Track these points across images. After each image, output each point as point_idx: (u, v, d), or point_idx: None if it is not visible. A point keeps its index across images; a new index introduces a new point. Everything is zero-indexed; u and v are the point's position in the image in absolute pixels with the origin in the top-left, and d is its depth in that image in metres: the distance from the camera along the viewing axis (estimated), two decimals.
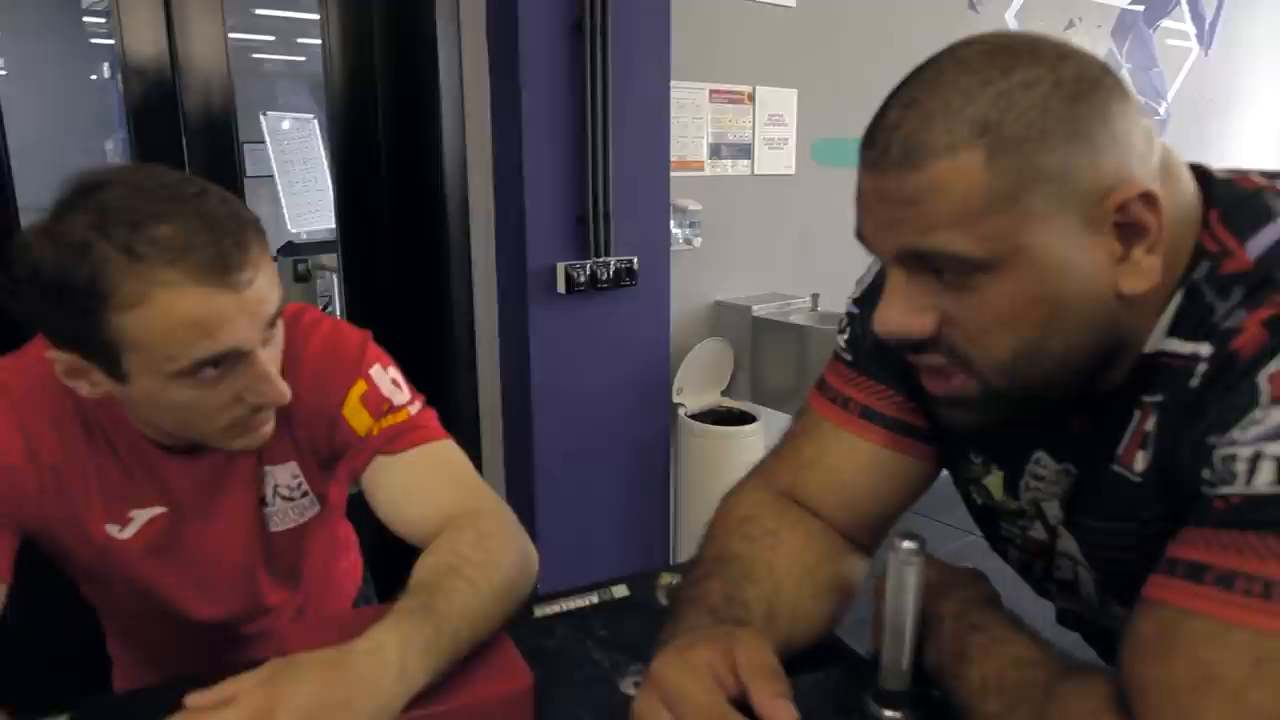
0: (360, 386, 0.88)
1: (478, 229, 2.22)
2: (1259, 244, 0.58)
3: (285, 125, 6.27)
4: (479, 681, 0.71)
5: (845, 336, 0.86)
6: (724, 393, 2.64)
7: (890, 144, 0.58)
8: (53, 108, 5.12)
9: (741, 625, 0.69)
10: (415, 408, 0.91)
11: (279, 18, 5.89)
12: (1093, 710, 0.54)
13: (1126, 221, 0.57)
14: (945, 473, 0.86)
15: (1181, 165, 0.62)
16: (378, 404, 0.88)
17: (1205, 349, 0.57)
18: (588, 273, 2.19)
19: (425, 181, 2.22)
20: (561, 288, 2.17)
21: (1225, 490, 0.52)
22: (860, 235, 0.64)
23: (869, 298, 0.84)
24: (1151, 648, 0.53)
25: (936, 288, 0.60)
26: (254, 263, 0.73)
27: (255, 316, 0.73)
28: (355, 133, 2.20)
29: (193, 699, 0.59)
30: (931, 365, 0.65)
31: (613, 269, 2.23)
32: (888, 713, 0.72)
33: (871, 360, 0.82)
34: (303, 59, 6.51)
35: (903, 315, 0.62)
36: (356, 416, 0.87)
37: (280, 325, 0.79)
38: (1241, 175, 0.64)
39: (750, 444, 2.45)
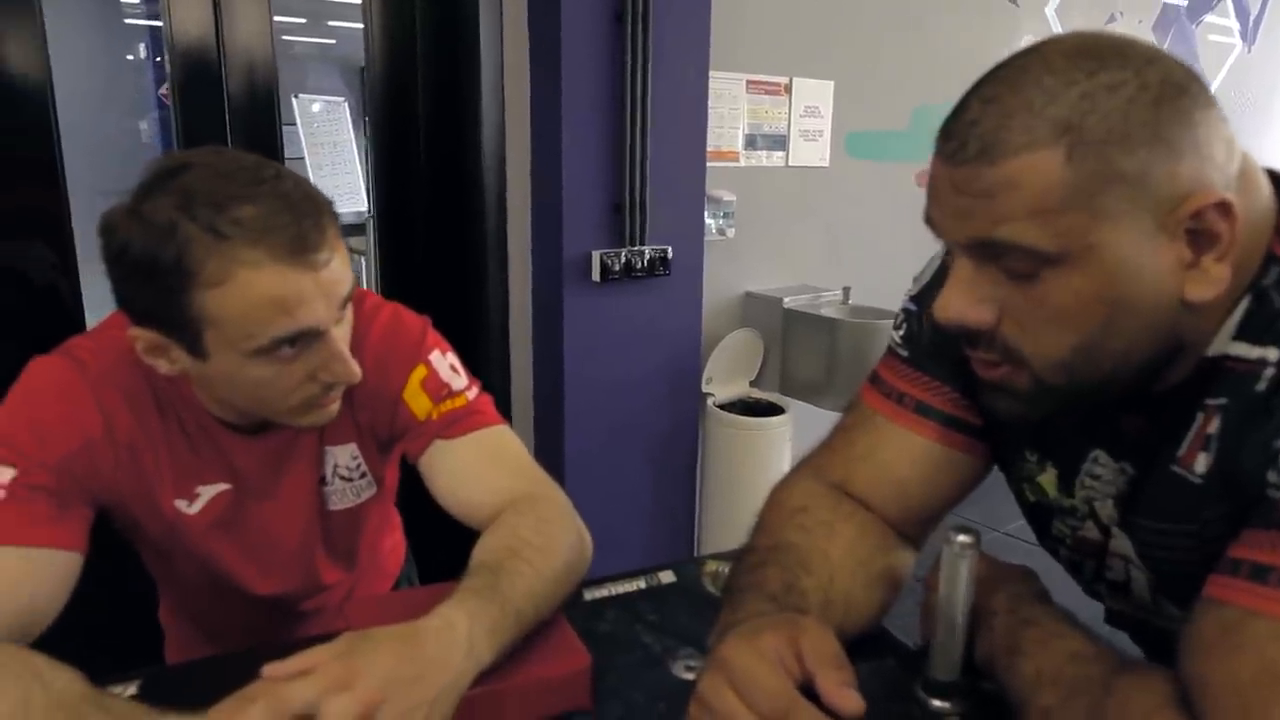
0: (421, 371, 0.90)
1: (514, 216, 2.24)
2: None
3: (316, 108, 6.32)
4: (540, 661, 0.73)
5: (901, 333, 0.86)
6: (753, 383, 2.65)
7: (969, 139, 0.58)
8: (88, 88, 5.19)
9: (801, 613, 0.70)
10: (473, 393, 0.93)
11: (311, 0, 5.93)
12: (1153, 706, 0.55)
13: (1199, 229, 0.57)
14: None
15: (1258, 171, 0.63)
16: (437, 389, 0.90)
17: (1274, 354, 0.58)
18: (623, 261, 2.20)
19: (463, 168, 2.24)
20: (596, 276, 2.18)
21: None
22: (929, 220, 0.65)
23: (926, 295, 0.85)
24: (1215, 646, 0.54)
25: (1001, 280, 0.61)
26: (330, 244, 0.75)
27: (331, 296, 0.76)
28: (394, 117, 2.22)
29: (270, 669, 0.61)
30: (982, 359, 0.66)
31: (647, 258, 2.24)
32: (936, 702, 0.74)
33: (928, 357, 0.83)
34: (333, 42, 6.55)
35: (964, 304, 0.63)
36: (416, 400, 0.90)
37: (350, 307, 0.81)
38: None
39: (778, 435, 2.46)
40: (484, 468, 0.90)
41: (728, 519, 2.49)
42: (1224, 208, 0.57)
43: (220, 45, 1.91)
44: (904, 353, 0.85)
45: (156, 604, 1.14)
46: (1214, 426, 0.61)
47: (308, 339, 0.76)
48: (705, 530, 2.59)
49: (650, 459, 2.43)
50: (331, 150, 6.29)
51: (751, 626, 0.65)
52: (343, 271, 0.77)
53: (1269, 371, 0.58)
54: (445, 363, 0.92)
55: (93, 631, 1.56)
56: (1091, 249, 0.57)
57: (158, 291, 0.72)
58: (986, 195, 0.58)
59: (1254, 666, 0.51)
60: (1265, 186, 0.62)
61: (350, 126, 6.56)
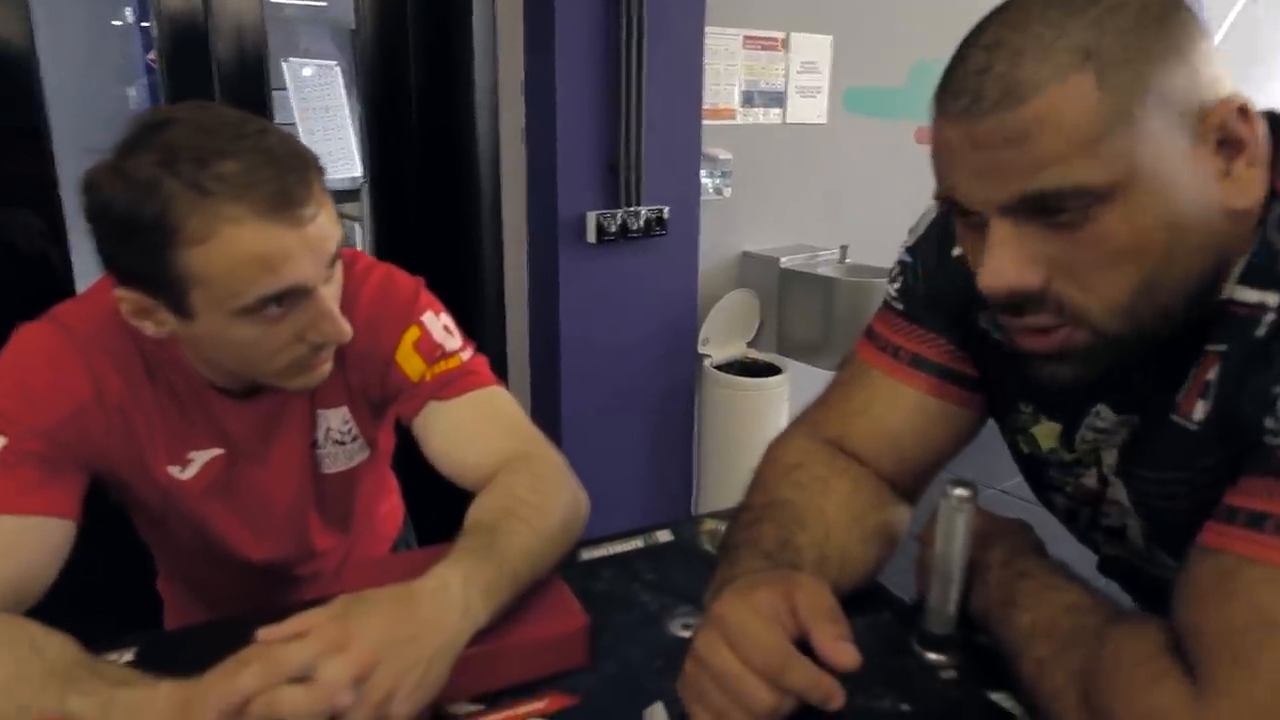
0: (414, 332, 0.89)
1: (508, 177, 2.21)
2: None
3: (307, 72, 6.22)
4: (536, 621, 0.73)
5: (897, 285, 0.85)
6: (750, 344, 2.64)
7: (984, 86, 0.55)
8: (74, 53, 5.10)
9: (796, 569, 0.70)
10: (467, 354, 0.92)
11: None
12: (1147, 654, 0.55)
13: (1226, 137, 0.56)
14: None
15: (1251, 102, 0.61)
16: (430, 350, 0.89)
17: (1273, 298, 0.57)
18: (618, 222, 2.18)
19: (456, 130, 2.21)
20: (592, 237, 2.16)
21: None
22: (948, 195, 0.61)
23: (921, 246, 0.84)
24: (1209, 593, 0.54)
25: (1045, 235, 0.57)
26: (316, 199, 0.74)
27: (318, 253, 0.74)
28: (385, 78, 2.18)
29: (265, 633, 0.61)
30: (1034, 325, 0.62)
31: (643, 218, 2.22)
32: (932, 655, 0.74)
33: (923, 308, 0.82)
34: (324, 4, 6.44)
35: (1015, 269, 0.58)
36: (409, 362, 0.89)
37: (339, 265, 0.80)
38: None
39: (775, 396, 2.46)
40: (479, 428, 0.89)
41: (725, 479, 2.50)
42: (1244, 112, 0.56)
43: (208, 8, 1.88)
44: (899, 306, 0.84)
45: (155, 572, 1.15)
46: (1213, 373, 0.61)
47: (295, 297, 0.75)
48: (703, 491, 2.60)
49: (647, 420, 2.43)
50: (324, 115, 6.20)
51: (746, 583, 0.65)
52: (330, 228, 0.76)
53: (1269, 317, 0.57)
54: (439, 323, 0.91)
55: (92, 599, 1.57)
56: (1140, 175, 0.55)
57: (140, 250, 0.71)
58: (1017, 142, 0.55)
59: (1248, 613, 0.51)
60: (1260, 119, 0.61)
61: (343, 91, 6.46)
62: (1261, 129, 0.59)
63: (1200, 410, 0.62)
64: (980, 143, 0.56)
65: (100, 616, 1.20)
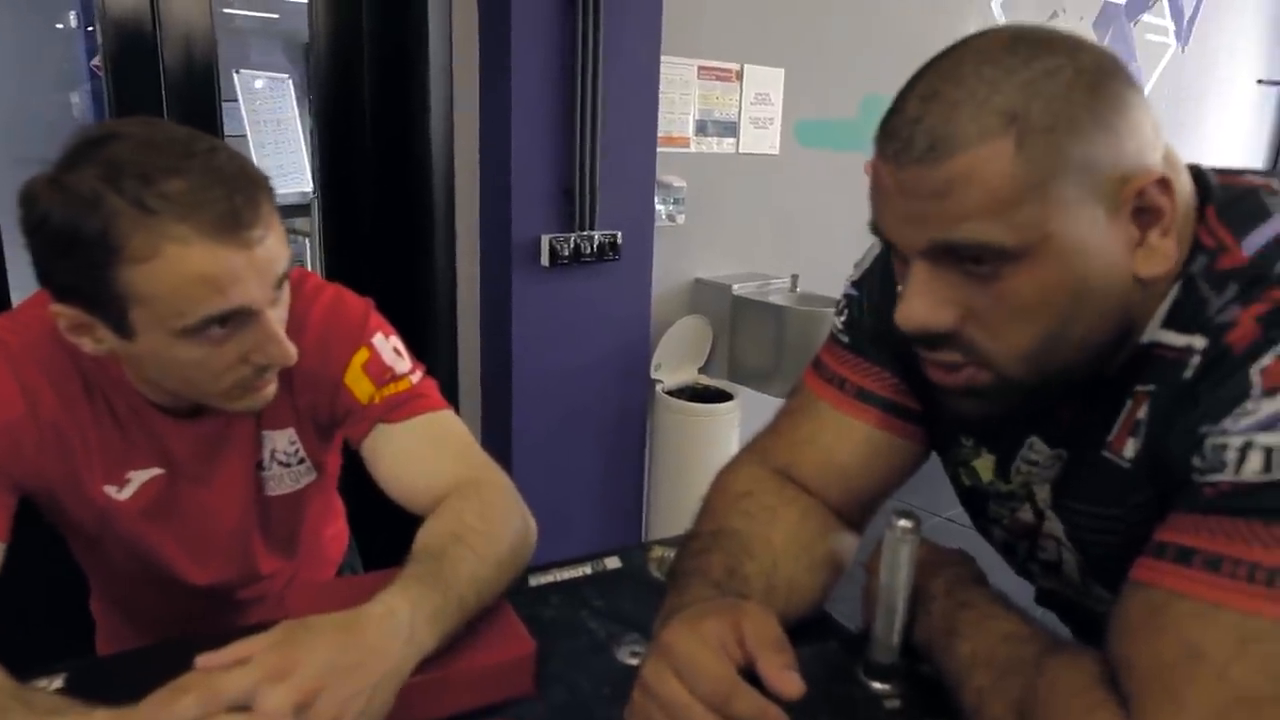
0: (363, 354, 0.88)
1: (462, 199, 2.21)
2: (1254, 241, 0.60)
3: (259, 84, 6.15)
4: (483, 647, 0.72)
5: (844, 318, 0.87)
6: (702, 370, 2.66)
7: (914, 136, 0.57)
8: (13, 57, 4.97)
9: (744, 598, 0.71)
10: (416, 377, 0.91)
11: None
12: (1082, 685, 0.57)
13: (1143, 206, 0.58)
14: None
15: (1180, 161, 0.64)
16: (380, 372, 0.88)
17: (1200, 341, 0.59)
18: (572, 246, 2.19)
19: (410, 149, 2.20)
20: (545, 260, 2.16)
21: (1215, 478, 0.54)
22: (877, 229, 0.64)
23: (867, 280, 0.86)
24: (1140, 627, 0.55)
25: (960, 281, 0.60)
26: (265, 221, 0.72)
27: (265, 275, 0.73)
28: (339, 96, 2.16)
29: (203, 659, 0.59)
30: (944, 361, 0.65)
31: (596, 243, 2.23)
32: (876, 685, 0.75)
33: (868, 342, 0.84)
34: (276, 16, 6.38)
35: (927, 310, 0.61)
36: (358, 384, 0.88)
37: (286, 287, 0.79)
38: (1236, 174, 0.66)
39: (726, 422, 2.47)
40: (427, 452, 0.88)
41: (676, 505, 2.50)
42: (1164, 184, 0.58)
43: (156, 15, 1.85)
44: (845, 338, 0.86)
45: (87, 593, 1.11)
46: (1143, 412, 0.63)
47: (240, 319, 0.74)
48: (653, 516, 2.60)
49: (599, 445, 2.43)
50: (275, 128, 6.13)
51: (694, 612, 0.65)
52: (278, 250, 0.74)
53: (1195, 360, 0.59)
54: (388, 345, 0.90)
55: (18, 622, 1.51)
56: (1050, 238, 0.57)
57: (80, 266, 0.69)
58: (939, 194, 0.57)
59: (1176, 647, 0.52)
60: (1187, 176, 0.64)
61: (294, 104, 6.39)
62: (1184, 195, 0.61)
63: (1131, 448, 0.64)
64: (906, 190, 0.59)
65: (27, 639, 1.15)
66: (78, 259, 0.68)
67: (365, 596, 0.67)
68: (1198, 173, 0.66)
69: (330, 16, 2.15)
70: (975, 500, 0.84)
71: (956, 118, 0.56)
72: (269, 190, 0.74)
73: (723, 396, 2.52)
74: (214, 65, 1.95)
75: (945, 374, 0.66)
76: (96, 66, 5.74)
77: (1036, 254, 0.57)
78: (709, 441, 2.47)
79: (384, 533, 1.22)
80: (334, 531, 1.17)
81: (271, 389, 0.82)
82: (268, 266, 0.73)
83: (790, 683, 0.58)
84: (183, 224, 0.68)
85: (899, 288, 0.78)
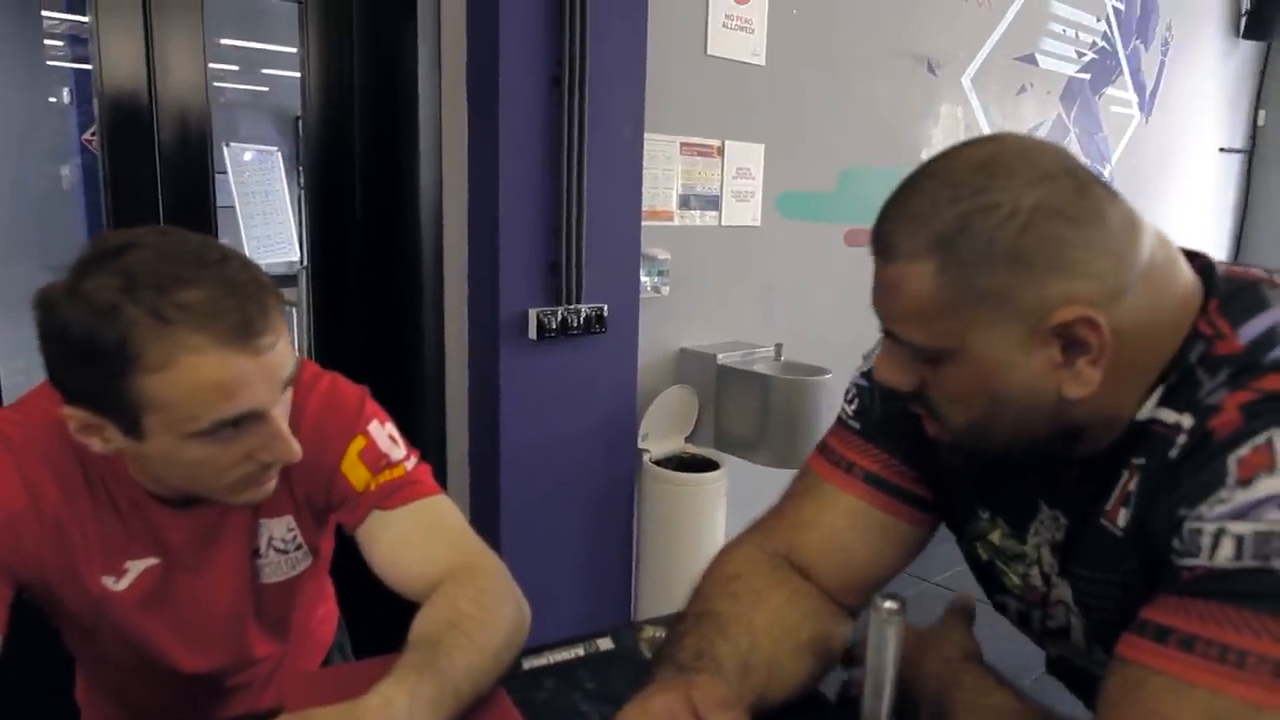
0: (359, 442, 0.90)
1: (450, 272, 2.25)
2: (1250, 330, 0.63)
3: (247, 157, 6.25)
4: None
5: (854, 406, 0.90)
6: (688, 439, 2.67)
7: (879, 235, 0.67)
8: (8, 130, 5.04)
9: (701, 674, 0.72)
10: (411, 463, 0.93)
11: (243, 48, 5.89)
12: None
13: (1070, 336, 0.62)
14: None
15: (1175, 264, 0.67)
16: (375, 460, 0.90)
17: (1188, 420, 0.62)
18: (559, 319, 2.22)
19: (399, 223, 2.24)
20: (533, 334, 2.19)
21: (1190, 561, 0.57)
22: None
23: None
24: (1120, 700, 0.58)
25: (913, 356, 0.69)
26: (274, 328, 0.75)
27: (274, 379, 0.76)
28: (330, 170, 2.21)
29: None
30: (919, 411, 0.74)
31: (583, 316, 2.27)
32: None
33: (879, 430, 0.86)
34: (266, 89, 6.50)
35: (890, 372, 0.72)
36: (355, 472, 0.89)
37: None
38: (1243, 268, 0.69)
39: (713, 491, 2.48)
40: (422, 538, 0.90)
41: (665, 574, 2.50)
42: (1089, 323, 0.61)
43: (152, 90, 1.89)
44: (855, 425, 0.89)
45: (72, 681, 1.10)
46: (1134, 484, 0.66)
47: (248, 421, 0.76)
48: (642, 585, 2.58)
49: (587, 515, 2.43)
50: (263, 200, 6.21)
51: (645, 692, 0.69)
52: (285, 354, 0.77)
53: (1181, 439, 0.62)
54: (384, 433, 0.92)
55: (2, 710, 1.49)
56: (965, 349, 0.64)
57: (96, 373, 0.71)
58: (886, 288, 0.67)
59: None
60: (1183, 276, 0.67)
61: (283, 176, 6.49)
62: (1176, 297, 0.65)
63: (1123, 517, 0.67)
64: (876, 274, 0.68)
65: None
66: (95, 367, 0.70)
67: (360, 686, 0.68)
68: (1207, 269, 0.69)
69: (322, 95, 2.21)
70: (990, 572, 0.86)
71: (901, 232, 0.65)
72: (277, 296, 0.77)
73: (709, 465, 2.54)
74: (208, 139, 1.99)
75: (930, 424, 0.74)
76: (88, 140, 5.82)
77: (955, 358, 0.65)
78: (697, 510, 2.48)
79: (373, 612, 1.22)
80: (323, 612, 1.17)
81: (273, 483, 0.83)
82: (276, 371, 0.76)
83: None
84: (198, 334, 0.70)
85: None
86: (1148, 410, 0.66)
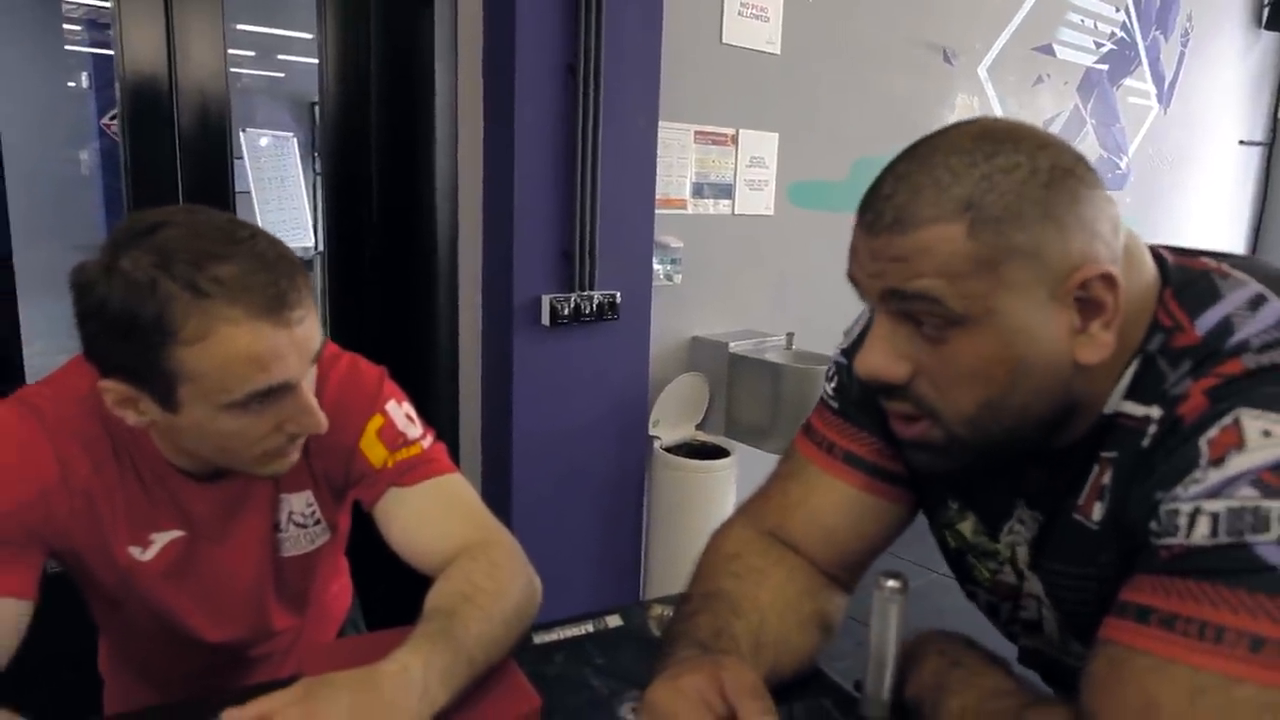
0: (377, 420, 0.93)
1: (465, 259, 2.27)
2: (1206, 321, 0.65)
3: (263, 142, 6.28)
4: (491, 704, 0.75)
5: (833, 385, 0.92)
6: (699, 426, 2.69)
7: (884, 211, 0.64)
8: (28, 115, 5.09)
9: (728, 655, 0.74)
10: (427, 442, 0.95)
11: (260, 33, 5.92)
12: None
13: (1087, 298, 0.63)
14: None
15: (1143, 249, 0.70)
16: (393, 438, 0.93)
17: (1156, 412, 0.65)
18: (572, 306, 2.24)
19: (415, 210, 2.27)
20: (546, 320, 2.21)
21: (1169, 541, 0.59)
22: (851, 277, 0.71)
23: (855, 349, 0.90)
24: (1105, 680, 0.59)
25: (915, 338, 0.67)
26: (304, 302, 0.77)
27: (304, 352, 0.78)
28: (347, 157, 2.24)
29: (229, 715, 0.62)
30: (900, 411, 0.71)
31: (596, 303, 2.29)
32: None
33: (856, 408, 0.88)
34: (282, 75, 6.54)
35: (882, 360, 0.68)
36: (373, 449, 0.92)
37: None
38: (1193, 257, 0.71)
39: (723, 478, 2.50)
40: (438, 515, 0.92)
41: (674, 559, 2.52)
42: (1109, 279, 0.63)
43: (173, 75, 1.92)
44: (834, 404, 0.91)
45: (94, 652, 1.13)
46: (1108, 478, 0.68)
47: (279, 393, 0.78)
48: (651, 570, 2.61)
49: (597, 501, 2.46)
50: (278, 185, 6.25)
51: (675, 670, 0.69)
52: (314, 328, 0.80)
53: (1152, 429, 0.64)
54: (401, 412, 0.95)
55: (27, 680, 1.53)
56: (992, 313, 0.63)
57: (135, 347, 0.73)
58: (900, 260, 0.64)
59: (1136, 699, 0.56)
60: (1149, 261, 0.69)
61: (298, 162, 6.53)
62: (1140, 288, 0.66)
63: (1098, 511, 0.69)
64: (875, 253, 0.66)
65: (35, 698, 1.17)
66: (134, 341, 0.73)
67: (375, 656, 0.70)
68: (1157, 256, 0.71)
69: (339, 83, 2.23)
70: (961, 562, 0.88)
71: (920, 200, 0.63)
72: (305, 273, 0.79)
73: (720, 453, 2.56)
74: (228, 124, 2.02)
75: (903, 425, 0.72)
76: (106, 125, 5.86)
77: (980, 325, 0.63)
78: (706, 497, 2.50)
79: (385, 588, 1.24)
80: (338, 588, 1.20)
81: (297, 454, 0.86)
82: (306, 344, 0.78)
83: None
84: (233, 306, 0.73)
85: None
86: (1114, 403, 0.68)
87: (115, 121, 5.70)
